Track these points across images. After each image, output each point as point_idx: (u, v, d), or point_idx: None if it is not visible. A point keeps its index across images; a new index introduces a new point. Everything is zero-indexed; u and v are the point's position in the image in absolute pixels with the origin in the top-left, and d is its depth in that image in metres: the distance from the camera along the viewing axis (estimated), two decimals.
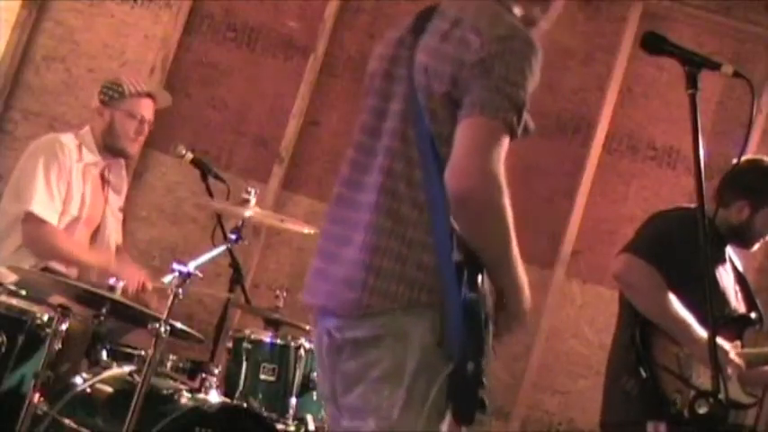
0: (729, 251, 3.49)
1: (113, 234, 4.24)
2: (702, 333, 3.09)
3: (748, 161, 3.48)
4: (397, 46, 2.26)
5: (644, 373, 3.14)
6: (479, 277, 2.07)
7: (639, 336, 3.19)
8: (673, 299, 3.14)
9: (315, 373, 3.51)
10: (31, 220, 3.92)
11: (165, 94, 4.37)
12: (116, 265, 4.01)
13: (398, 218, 2.13)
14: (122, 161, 4.32)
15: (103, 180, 4.22)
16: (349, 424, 2.17)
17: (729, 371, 3.23)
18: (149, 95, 4.22)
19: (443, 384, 2.08)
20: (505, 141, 2.06)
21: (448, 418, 2.12)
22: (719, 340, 3.22)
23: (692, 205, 3.29)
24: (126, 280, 3.63)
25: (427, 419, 2.10)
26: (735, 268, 3.49)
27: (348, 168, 2.27)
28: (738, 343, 3.32)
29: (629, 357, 3.20)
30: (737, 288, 3.45)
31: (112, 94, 4.13)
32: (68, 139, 4.07)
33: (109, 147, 4.12)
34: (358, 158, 2.25)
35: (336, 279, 2.17)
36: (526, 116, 2.09)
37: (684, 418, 3.02)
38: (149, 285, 3.95)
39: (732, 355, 3.23)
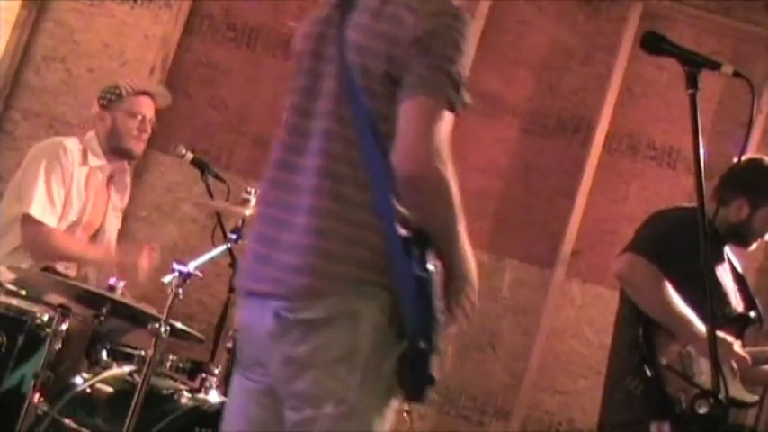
0: (727, 251, 3.49)
1: (113, 236, 4.25)
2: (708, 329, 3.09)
3: (748, 160, 3.48)
4: (324, 24, 2.23)
5: (649, 373, 3.13)
6: (428, 254, 2.06)
7: (643, 335, 3.18)
8: (675, 297, 3.14)
9: None
10: (28, 222, 3.91)
11: (164, 93, 4.37)
12: (118, 255, 4.01)
13: (343, 200, 2.11)
14: (127, 167, 4.32)
15: (109, 185, 4.22)
16: (298, 415, 2.11)
17: (735, 365, 3.24)
18: (147, 94, 4.22)
19: (395, 363, 2.07)
20: (448, 118, 2.07)
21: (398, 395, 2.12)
22: (724, 335, 3.22)
23: (692, 204, 3.29)
24: (134, 266, 3.63)
25: (382, 399, 2.10)
26: (733, 267, 3.49)
27: (281, 151, 2.23)
28: (739, 342, 3.32)
29: (633, 357, 3.19)
30: (736, 287, 3.45)
31: (110, 97, 4.14)
32: (72, 143, 4.06)
33: (114, 149, 4.12)
34: (291, 141, 2.22)
35: (282, 265, 2.12)
36: (463, 91, 2.09)
37: (689, 418, 3.01)
38: (156, 257, 3.96)
39: (737, 347, 3.24)
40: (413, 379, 2.07)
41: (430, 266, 2.06)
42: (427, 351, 2.03)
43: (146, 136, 4.18)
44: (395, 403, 2.12)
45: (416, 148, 2.04)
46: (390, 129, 2.09)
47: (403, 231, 2.06)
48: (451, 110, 2.08)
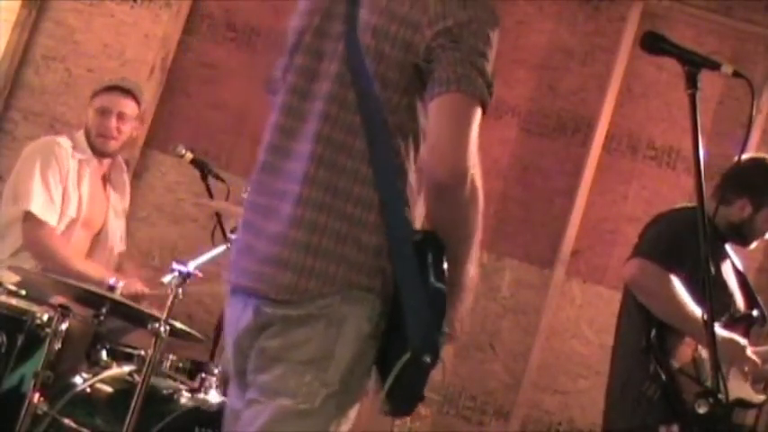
0: (728, 249, 3.49)
1: (117, 241, 4.24)
2: (720, 330, 3.10)
3: (750, 159, 3.48)
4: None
5: (663, 377, 3.12)
6: (444, 264, 1.92)
7: (655, 339, 3.17)
8: (688, 299, 3.14)
9: None
10: (30, 219, 3.91)
11: (133, 85, 4.28)
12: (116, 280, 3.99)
13: (337, 192, 1.95)
14: (122, 164, 4.32)
15: (105, 182, 4.22)
16: (254, 397, 1.98)
17: (747, 368, 3.24)
18: (119, 89, 4.17)
19: (366, 375, 1.96)
20: (479, 117, 1.94)
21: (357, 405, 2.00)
22: (738, 338, 3.23)
23: (692, 204, 3.29)
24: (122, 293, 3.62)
25: (344, 410, 1.97)
26: (734, 265, 3.49)
27: (274, 134, 2.08)
28: (746, 341, 3.32)
29: (646, 361, 3.18)
30: (738, 285, 3.45)
31: (91, 95, 4.16)
32: (64, 140, 4.07)
33: (90, 146, 4.12)
34: (285, 123, 2.06)
35: (265, 258, 1.98)
36: (492, 89, 1.97)
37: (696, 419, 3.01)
38: (145, 291, 3.93)
39: (749, 352, 3.24)
40: (407, 393, 1.95)
41: (445, 277, 1.92)
42: (429, 366, 1.89)
43: (120, 135, 4.12)
44: (354, 413, 2.00)
45: (453, 154, 1.89)
46: (400, 120, 1.97)
47: (415, 233, 1.94)
48: (483, 109, 1.95)
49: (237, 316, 2.05)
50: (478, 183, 1.96)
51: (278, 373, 1.96)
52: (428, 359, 1.88)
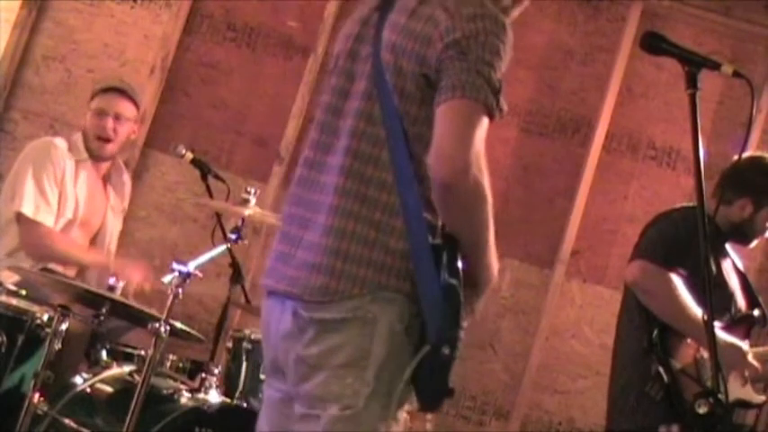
0: (728, 248, 3.49)
1: (114, 241, 4.25)
2: (722, 334, 3.10)
3: (751, 159, 3.48)
4: (362, 24, 2.22)
5: (666, 378, 3.12)
6: (458, 262, 2.03)
7: (657, 340, 3.17)
8: (690, 300, 3.13)
9: None
10: (22, 221, 3.91)
11: (129, 87, 4.27)
12: (115, 264, 4.00)
13: (365, 201, 2.08)
14: (121, 165, 4.32)
15: (105, 183, 4.21)
16: (305, 411, 2.09)
17: (747, 373, 3.24)
18: (116, 90, 4.16)
19: (409, 372, 2.03)
20: (485, 123, 2.03)
21: (406, 405, 2.09)
22: (740, 343, 3.23)
23: (692, 204, 3.29)
24: (127, 278, 3.63)
25: (390, 408, 2.06)
26: (735, 266, 3.49)
27: (311, 149, 2.22)
28: (747, 342, 3.32)
29: (648, 362, 3.18)
30: (739, 285, 3.45)
31: (90, 96, 4.15)
32: (60, 141, 4.07)
33: (87, 149, 4.11)
34: (321, 139, 2.20)
35: (300, 263, 2.11)
36: (501, 97, 2.07)
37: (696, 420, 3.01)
38: (148, 286, 3.94)
39: (750, 357, 3.23)
40: (432, 387, 2.04)
41: (458, 273, 2.02)
42: (450, 358, 1.99)
43: (117, 137, 4.11)
44: (402, 414, 2.09)
45: (454, 153, 2.00)
46: (419, 131, 2.07)
47: (432, 238, 2.03)
48: (489, 115, 2.04)
49: (277, 318, 2.16)
50: (486, 183, 2.03)
51: (319, 380, 2.06)
52: (447, 351, 1.99)
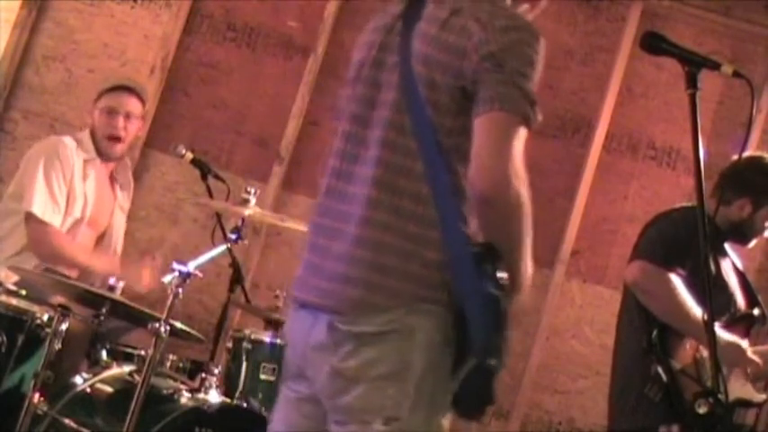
0: (728, 247, 3.49)
1: (120, 239, 4.25)
2: (722, 334, 3.10)
3: (750, 159, 3.48)
4: (387, 32, 2.21)
5: (665, 378, 3.13)
6: (500, 270, 2.02)
7: (657, 340, 3.17)
8: (689, 300, 3.13)
9: None
10: (32, 220, 3.91)
11: (138, 85, 4.29)
12: (122, 270, 3.99)
13: (399, 213, 2.08)
14: (128, 162, 4.32)
15: (113, 182, 4.21)
16: (343, 429, 2.09)
17: (749, 369, 3.24)
18: (125, 88, 4.16)
19: (449, 382, 2.04)
20: (524, 134, 2.04)
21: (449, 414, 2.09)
22: (739, 340, 3.23)
23: (690, 203, 3.29)
24: (135, 284, 3.62)
25: (432, 418, 2.07)
26: (734, 265, 3.49)
27: (337, 159, 2.20)
28: (747, 341, 3.33)
29: (648, 363, 3.18)
30: (738, 284, 3.45)
31: (96, 95, 4.15)
32: (68, 140, 4.06)
33: (96, 148, 4.11)
34: (347, 149, 2.19)
35: (332, 275, 2.11)
36: (537, 107, 2.07)
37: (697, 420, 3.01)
38: (156, 286, 3.95)
39: (750, 353, 3.24)
40: (475, 397, 2.04)
41: (502, 284, 2.02)
42: (495, 369, 1.99)
43: (126, 136, 4.11)
44: (446, 423, 2.10)
45: (494, 166, 2.00)
46: (455, 142, 2.07)
47: (472, 247, 2.03)
48: (527, 126, 2.04)
49: (307, 329, 2.15)
50: (526, 192, 2.03)
51: (358, 392, 2.06)
52: (492, 362, 1.99)
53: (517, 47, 2.05)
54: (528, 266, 2.12)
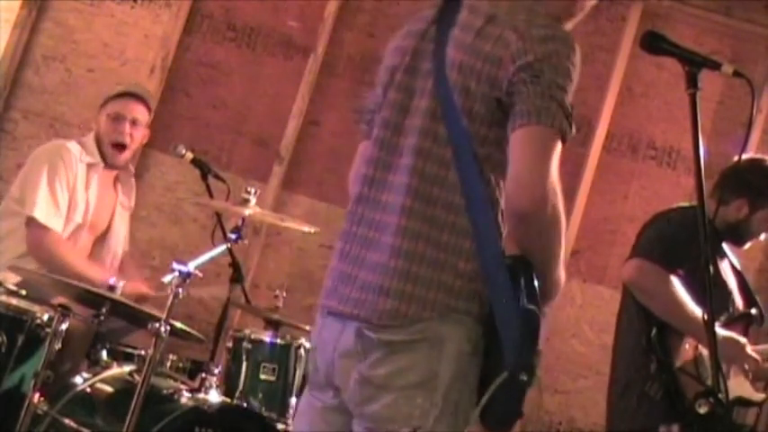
0: (726, 248, 3.49)
1: (121, 242, 4.24)
2: (721, 331, 3.10)
3: (749, 160, 3.49)
4: (420, 39, 2.18)
5: (665, 377, 3.13)
6: (535, 285, 2.02)
7: (656, 339, 3.17)
8: (687, 299, 3.14)
9: None
10: (33, 225, 3.90)
11: (145, 91, 4.28)
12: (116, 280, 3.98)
13: (433, 222, 2.07)
14: (130, 166, 4.31)
15: (116, 185, 4.21)
16: (370, 429, 2.09)
17: (747, 366, 3.24)
18: (132, 95, 4.15)
19: (474, 393, 2.04)
20: (559, 148, 2.03)
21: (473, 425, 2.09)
22: (737, 337, 3.23)
23: (689, 203, 3.30)
24: (129, 296, 3.61)
25: (456, 428, 2.06)
26: (732, 265, 3.50)
27: (370, 167, 2.18)
28: (746, 341, 3.33)
29: (648, 361, 3.18)
30: (736, 284, 3.45)
31: (102, 102, 4.14)
32: (72, 145, 4.04)
33: (101, 155, 4.10)
34: (380, 156, 2.17)
35: (366, 285, 2.10)
36: (572, 120, 2.06)
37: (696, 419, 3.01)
38: (150, 294, 3.93)
39: (749, 350, 3.24)
40: (504, 411, 2.03)
41: (536, 298, 2.00)
42: (527, 384, 1.98)
43: (132, 143, 4.10)
44: None
45: (533, 183, 1.99)
46: (489, 151, 2.06)
47: (507, 259, 2.02)
48: (563, 140, 2.03)
49: (335, 336, 2.14)
50: (561, 205, 2.04)
51: (387, 401, 2.05)
52: (524, 377, 1.97)
53: (554, 58, 2.03)
54: (561, 277, 2.12)
